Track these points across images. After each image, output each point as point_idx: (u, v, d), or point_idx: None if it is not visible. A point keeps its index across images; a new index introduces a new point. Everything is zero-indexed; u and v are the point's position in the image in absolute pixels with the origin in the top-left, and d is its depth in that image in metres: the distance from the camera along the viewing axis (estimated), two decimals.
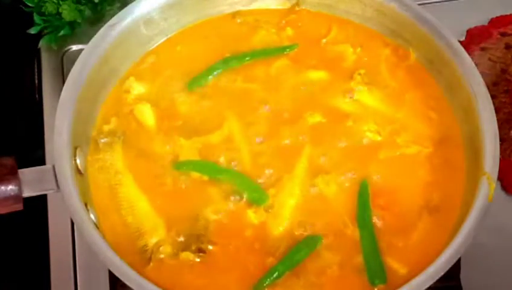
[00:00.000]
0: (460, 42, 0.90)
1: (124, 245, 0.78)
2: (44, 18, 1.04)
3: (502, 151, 0.95)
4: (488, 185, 0.77)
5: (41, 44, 1.06)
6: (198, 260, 0.78)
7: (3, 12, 1.10)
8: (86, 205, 0.78)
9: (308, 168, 0.83)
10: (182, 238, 0.79)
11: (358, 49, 0.91)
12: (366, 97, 0.88)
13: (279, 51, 0.92)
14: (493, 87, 1.02)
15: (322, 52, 0.92)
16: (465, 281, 0.90)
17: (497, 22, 1.10)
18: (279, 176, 0.82)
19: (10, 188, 0.76)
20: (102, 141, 0.85)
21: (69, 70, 0.84)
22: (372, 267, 0.77)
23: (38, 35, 1.05)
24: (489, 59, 1.06)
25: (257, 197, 0.81)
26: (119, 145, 0.85)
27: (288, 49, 0.92)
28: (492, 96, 0.84)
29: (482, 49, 1.07)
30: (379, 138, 0.85)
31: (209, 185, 0.82)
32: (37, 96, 1.07)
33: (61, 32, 1.05)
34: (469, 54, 0.86)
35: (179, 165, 0.83)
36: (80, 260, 0.94)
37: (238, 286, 0.77)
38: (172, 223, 0.80)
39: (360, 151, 0.84)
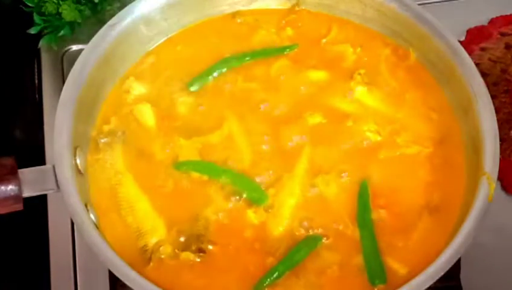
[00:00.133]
0: (460, 42, 0.90)
1: (124, 245, 0.78)
2: (44, 18, 1.04)
3: (502, 151, 0.95)
4: (488, 185, 0.77)
5: (41, 44, 1.06)
6: (198, 260, 0.78)
7: (3, 12, 1.10)
8: (85, 205, 0.78)
9: (308, 168, 0.83)
10: (182, 238, 0.79)
11: (358, 49, 0.91)
12: (366, 97, 0.88)
13: (279, 51, 0.92)
14: (493, 87, 1.02)
15: (322, 52, 0.92)
16: (465, 281, 0.90)
17: (497, 22, 1.10)
18: (279, 176, 0.82)
19: (10, 188, 0.76)
20: (102, 141, 0.85)
21: (69, 70, 0.84)
22: (372, 267, 0.77)
23: (38, 35, 1.05)
24: (489, 59, 1.06)
25: (257, 197, 0.81)
26: (119, 145, 0.85)
27: (288, 49, 0.92)
28: (492, 96, 0.84)
29: (482, 49, 1.07)
30: (379, 138, 0.85)
31: (209, 185, 0.82)
32: (37, 96, 1.07)
33: (61, 32, 1.05)
34: (469, 54, 0.86)
35: (179, 165, 0.83)
36: (79, 260, 0.94)
37: (238, 286, 0.77)
38: (173, 223, 0.80)
39: (360, 151, 0.84)
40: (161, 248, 0.78)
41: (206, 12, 0.94)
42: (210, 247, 0.78)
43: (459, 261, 0.75)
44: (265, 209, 0.80)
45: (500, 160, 0.79)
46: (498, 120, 0.81)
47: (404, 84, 0.89)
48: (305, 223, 0.80)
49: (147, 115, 0.87)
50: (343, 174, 0.82)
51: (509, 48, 1.07)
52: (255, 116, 0.87)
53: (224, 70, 0.90)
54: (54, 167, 0.78)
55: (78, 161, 0.80)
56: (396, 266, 0.77)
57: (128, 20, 0.88)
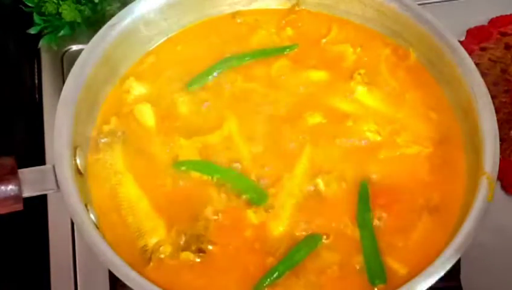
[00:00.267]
0: (460, 42, 0.90)
1: (124, 245, 0.78)
2: (44, 18, 1.04)
3: (502, 151, 0.95)
4: (488, 185, 0.77)
5: (41, 44, 1.06)
6: (198, 260, 0.78)
7: (3, 12, 1.10)
8: (86, 205, 0.78)
9: (308, 168, 0.83)
10: (182, 239, 0.79)
11: (358, 49, 0.91)
12: (366, 97, 0.88)
13: (279, 51, 0.92)
14: (493, 87, 1.02)
15: (322, 52, 0.92)
16: (465, 281, 0.90)
17: (497, 22, 1.10)
18: (279, 175, 0.82)
19: (10, 188, 0.76)
20: (102, 141, 0.85)
21: (69, 70, 0.84)
22: (372, 267, 0.77)
23: (38, 35, 1.05)
24: (489, 59, 1.06)
25: (257, 197, 0.81)
26: (119, 145, 0.85)
27: (288, 49, 0.92)
28: (492, 97, 0.84)
29: (482, 49, 1.07)
30: (379, 138, 0.85)
31: (209, 185, 0.82)
32: (37, 96, 1.07)
33: (61, 32, 1.05)
34: (469, 54, 0.86)
35: (179, 165, 0.83)
36: (79, 260, 0.94)
37: (238, 286, 0.77)
38: (172, 223, 0.80)
39: (360, 151, 0.84)
40: (161, 248, 0.78)
41: (206, 12, 0.94)
42: (210, 247, 0.78)
43: (459, 261, 0.74)
44: (265, 209, 0.80)
45: (500, 160, 0.79)
46: (498, 120, 0.81)
47: (404, 84, 0.89)
48: (305, 223, 0.80)
49: (147, 115, 0.87)
50: (343, 175, 0.82)
51: (509, 48, 1.07)
52: (255, 116, 0.87)
53: (224, 70, 0.90)
54: (54, 167, 0.78)
55: (78, 161, 0.80)
56: (396, 266, 0.77)
57: (128, 20, 0.88)
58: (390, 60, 0.91)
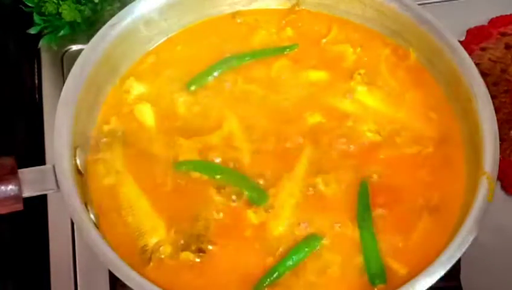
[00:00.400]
0: (460, 42, 0.90)
1: (124, 245, 0.78)
2: (44, 18, 1.04)
3: (502, 151, 0.95)
4: (488, 185, 0.77)
5: (41, 44, 1.06)
6: (198, 260, 0.78)
7: (3, 12, 1.10)
8: (86, 205, 0.78)
9: (308, 168, 0.83)
10: (182, 238, 0.79)
11: (358, 49, 0.91)
12: (366, 97, 0.88)
13: (279, 51, 0.92)
14: (493, 87, 1.02)
15: (322, 52, 0.92)
16: (465, 281, 0.90)
17: (497, 22, 1.10)
18: (279, 175, 0.82)
19: (10, 188, 0.76)
20: (102, 141, 0.85)
21: (69, 70, 0.84)
22: (372, 267, 0.77)
23: (38, 35, 1.05)
24: (489, 59, 1.06)
25: (257, 197, 0.81)
26: (119, 145, 0.85)
27: (288, 49, 0.92)
28: (492, 96, 0.84)
29: (482, 49, 1.07)
30: (379, 138, 0.85)
31: (209, 185, 0.82)
32: (37, 96, 1.07)
33: (61, 32, 1.05)
34: (469, 54, 0.86)
35: (179, 165, 0.83)
36: (79, 260, 0.94)
37: (238, 286, 0.77)
38: (172, 223, 0.80)
39: (360, 151, 0.84)
40: (161, 248, 0.78)
41: (206, 12, 0.94)
42: (210, 247, 0.78)
43: (459, 261, 0.75)
44: (265, 209, 0.80)
45: (500, 160, 0.79)
46: (498, 120, 0.81)
47: (404, 84, 0.89)
48: (305, 223, 0.80)
49: (147, 115, 0.87)
50: (343, 174, 0.82)
51: (509, 48, 1.07)
52: (255, 116, 0.87)
53: (224, 70, 0.90)
54: (54, 167, 0.78)
55: (78, 161, 0.80)
56: (396, 266, 0.77)
57: (128, 20, 0.89)
58: (390, 60, 0.91)
